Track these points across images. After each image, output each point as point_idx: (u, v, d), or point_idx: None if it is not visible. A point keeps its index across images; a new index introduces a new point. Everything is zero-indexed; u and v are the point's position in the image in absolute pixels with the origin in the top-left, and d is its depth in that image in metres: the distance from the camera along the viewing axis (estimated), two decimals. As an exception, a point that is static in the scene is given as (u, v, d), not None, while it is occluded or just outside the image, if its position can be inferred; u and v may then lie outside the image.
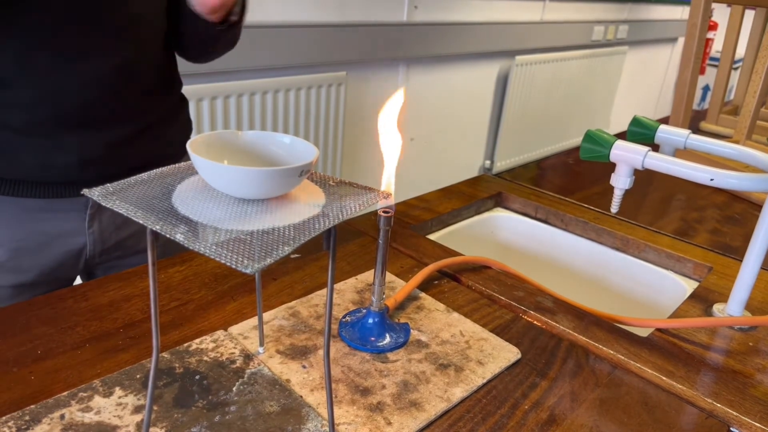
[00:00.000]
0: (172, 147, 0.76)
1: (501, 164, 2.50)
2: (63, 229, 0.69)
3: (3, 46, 0.57)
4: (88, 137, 0.65)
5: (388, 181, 0.47)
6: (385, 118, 0.46)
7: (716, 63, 1.60)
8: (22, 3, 0.56)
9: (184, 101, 0.80)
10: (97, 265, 0.76)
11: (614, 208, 0.67)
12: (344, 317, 0.57)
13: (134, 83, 0.67)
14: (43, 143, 0.63)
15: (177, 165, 0.41)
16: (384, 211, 0.49)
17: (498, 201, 0.99)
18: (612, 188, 0.65)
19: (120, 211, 0.34)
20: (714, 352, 0.58)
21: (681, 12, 3.44)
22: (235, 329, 0.54)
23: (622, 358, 0.56)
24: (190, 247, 0.31)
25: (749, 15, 1.51)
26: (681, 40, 3.49)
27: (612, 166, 0.64)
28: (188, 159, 0.79)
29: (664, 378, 0.54)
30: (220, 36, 0.71)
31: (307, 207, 0.37)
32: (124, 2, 0.62)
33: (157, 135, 0.73)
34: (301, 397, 0.47)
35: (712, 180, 0.57)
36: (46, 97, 0.61)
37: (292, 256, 0.69)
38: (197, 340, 0.52)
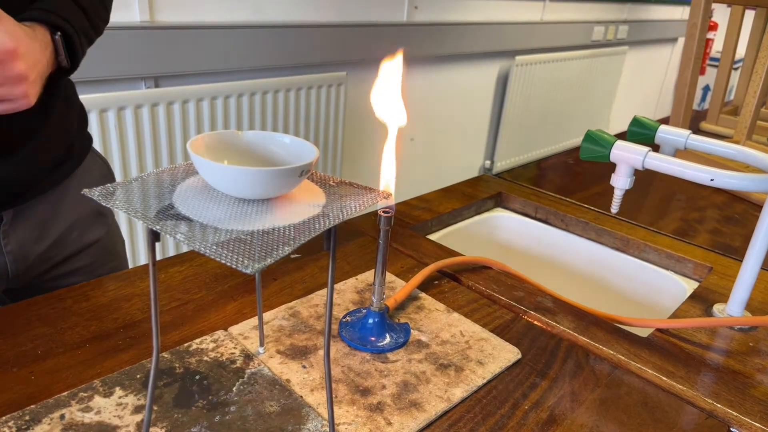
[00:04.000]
0: (73, 142, 0.70)
1: (501, 164, 2.50)
2: None
3: None
4: None
5: (386, 177, 0.46)
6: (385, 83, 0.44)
7: (716, 63, 1.60)
8: None
9: (68, 87, 0.71)
10: (27, 285, 0.70)
11: (614, 209, 0.67)
12: (344, 317, 0.57)
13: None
14: None
15: (177, 165, 0.41)
16: (384, 211, 0.49)
17: (498, 201, 0.99)
18: (612, 188, 0.65)
19: (120, 211, 0.34)
20: (714, 353, 0.58)
21: (681, 12, 3.44)
22: (235, 329, 0.54)
23: (622, 358, 0.56)
24: (191, 247, 0.31)
25: (749, 15, 1.51)
26: (681, 41, 3.49)
27: (612, 167, 0.64)
28: (92, 151, 0.75)
29: (664, 378, 0.54)
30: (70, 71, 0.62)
31: (307, 207, 0.37)
32: None
33: (55, 138, 0.67)
34: (301, 397, 0.47)
35: (712, 180, 0.57)
36: None
37: (293, 256, 0.69)
38: (197, 340, 0.52)
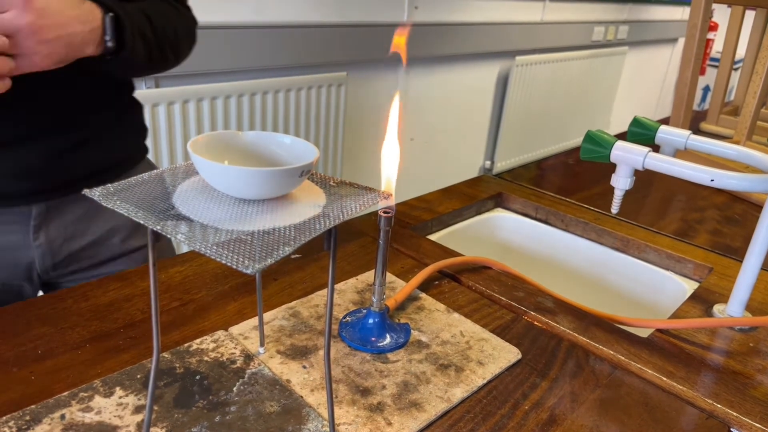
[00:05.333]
0: (120, 154, 0.73)
1: (501, 164, 2.50)
2: (7, 242, 0.67)
3: None
4: (22, 149, 0.63)
5: (387, 180, 0.47)
6: (388, 127, 0.45)
7: (716, 63, 1.60)
8: None
9: (134, 106, 0.77)
10: (56, 281, 0.73)
11: (614, 209, 0.67)
12: (345, 317, 0.57)
13: (69, 95, 0.64)
14: None
15: (177, 165, 0.41)
16: (384, 212, 0.49)
17: (498, 201, 0.99)
18: (612, 189, 0.65)
19: (121, 212, 0.34)
20: (714, 353, 0.58)
21: (681, 12, 3.44)
22: (235, 329, 0.54)
23: (623, 358, 0.56)
24: (191, 247, 0.31)
25: (749, 15, 1.51)
26: (681, 41, 3.49)
27: (612, 167, 0.64)
28: (143, 165, 0.76)
29: (664, 378, 0.54)
30: (120, 65, 0.64)
31: (307, 207, 0.37)
32: None
33: (101, 144, 0.70)
34: (302, 397, 0.47)
35: (712, 181, 0.58)
36: None
37: (293, 256, 0.69)
38: (198, 340, 0.52)
